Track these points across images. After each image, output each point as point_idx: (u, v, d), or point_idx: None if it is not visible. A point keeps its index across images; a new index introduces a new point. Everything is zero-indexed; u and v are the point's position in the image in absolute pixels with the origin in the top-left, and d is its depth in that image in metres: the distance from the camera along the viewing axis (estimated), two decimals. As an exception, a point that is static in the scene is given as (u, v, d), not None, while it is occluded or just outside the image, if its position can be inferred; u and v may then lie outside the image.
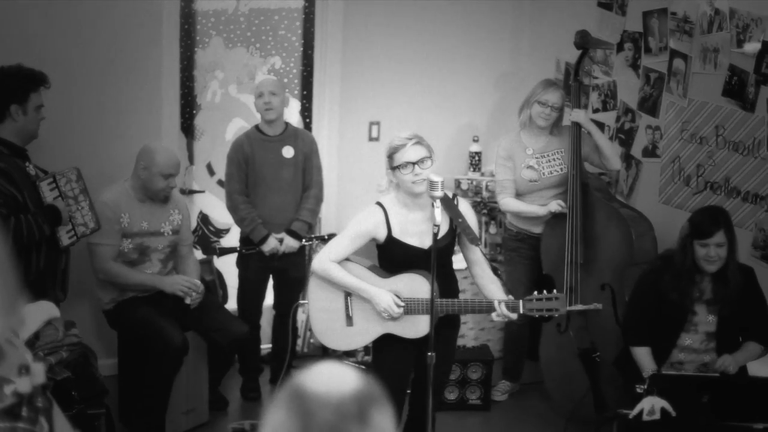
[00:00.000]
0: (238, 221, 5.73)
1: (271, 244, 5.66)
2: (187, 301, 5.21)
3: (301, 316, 6.17)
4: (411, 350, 4.37)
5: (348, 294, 4.36)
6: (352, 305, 4.37)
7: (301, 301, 5.42)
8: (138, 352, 5.23)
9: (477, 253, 4.41)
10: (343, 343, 4.51)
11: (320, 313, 4.42)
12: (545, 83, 5.73)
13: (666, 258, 4.81)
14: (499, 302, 4.23)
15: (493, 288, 4.40)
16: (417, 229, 4.27)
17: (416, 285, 4.28)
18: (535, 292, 4.30)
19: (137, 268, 5.21)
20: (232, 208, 5.72)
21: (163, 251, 5.30)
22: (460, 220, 4.24)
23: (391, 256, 4.33)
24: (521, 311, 4.24)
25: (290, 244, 5.69)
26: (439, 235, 4.13)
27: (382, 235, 4.28)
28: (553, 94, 5.65)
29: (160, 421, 5.19)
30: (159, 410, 5.17)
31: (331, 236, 6.01)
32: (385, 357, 4.42)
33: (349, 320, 4.38)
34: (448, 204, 4.22)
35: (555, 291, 4.32)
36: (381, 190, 4.35)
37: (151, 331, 5.05)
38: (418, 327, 4.29)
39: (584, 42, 5.77)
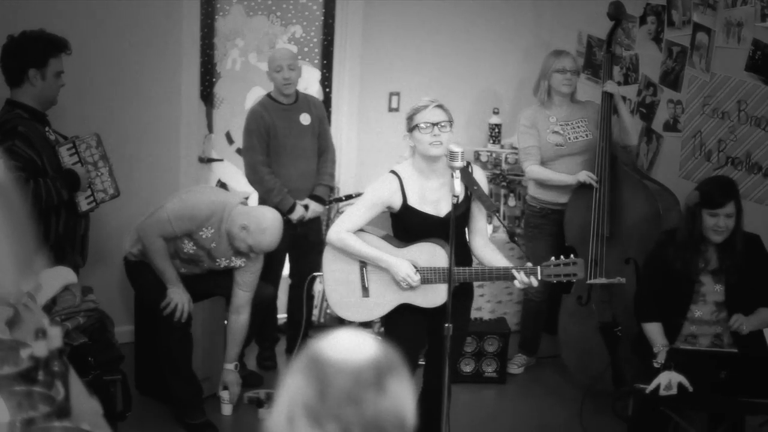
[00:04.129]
0: (265, 192, 5.66)
1: (299, 212, 5.67)
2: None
3: (318, 287, 6.16)
4: (423, 320, 4.34)
5: (363, 265, 4.32)
6: (367, 276, 4.33)
7: (317, 273, 5.35)
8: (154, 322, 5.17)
9: (482, 222, 4.37)
10: (360, 315, 4.39)
11: (335, 284, 4.38)
12: (555, 53, 5.79)
13: (670, 232, 4.81)
14: (518, 269, 4.18)
15: (498, 257, 4.34)
16: (433, 197, 4.23)
17: (433, 254, 4.24)
18: (552, 258, 4.24)
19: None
20: (257, 180, 5.66)
21: (201, 267, 5.16)
22: (475, 188, 4.22)
23: (406, 224, 4.28)
24: (539, 277, 4.18)
25: (315, 209, 5.73)
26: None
27: (397, 204, 4.23)
28: (567, 59, 5.73)
29: (198, 403, 5.15)
30: (191, 391, 5.13)
31: (349, 196, 6.07)
32: (397, 327, 4.38)
33: (365, 291, 4.34)
34: (465, 173, 4.17)
35: (573, 256, 4.30)
36: (405, 158, 4.29)
37: (161, 299, 4.98)
38: (435, 296, 4.27)
39: (618, 13, 5.84)
